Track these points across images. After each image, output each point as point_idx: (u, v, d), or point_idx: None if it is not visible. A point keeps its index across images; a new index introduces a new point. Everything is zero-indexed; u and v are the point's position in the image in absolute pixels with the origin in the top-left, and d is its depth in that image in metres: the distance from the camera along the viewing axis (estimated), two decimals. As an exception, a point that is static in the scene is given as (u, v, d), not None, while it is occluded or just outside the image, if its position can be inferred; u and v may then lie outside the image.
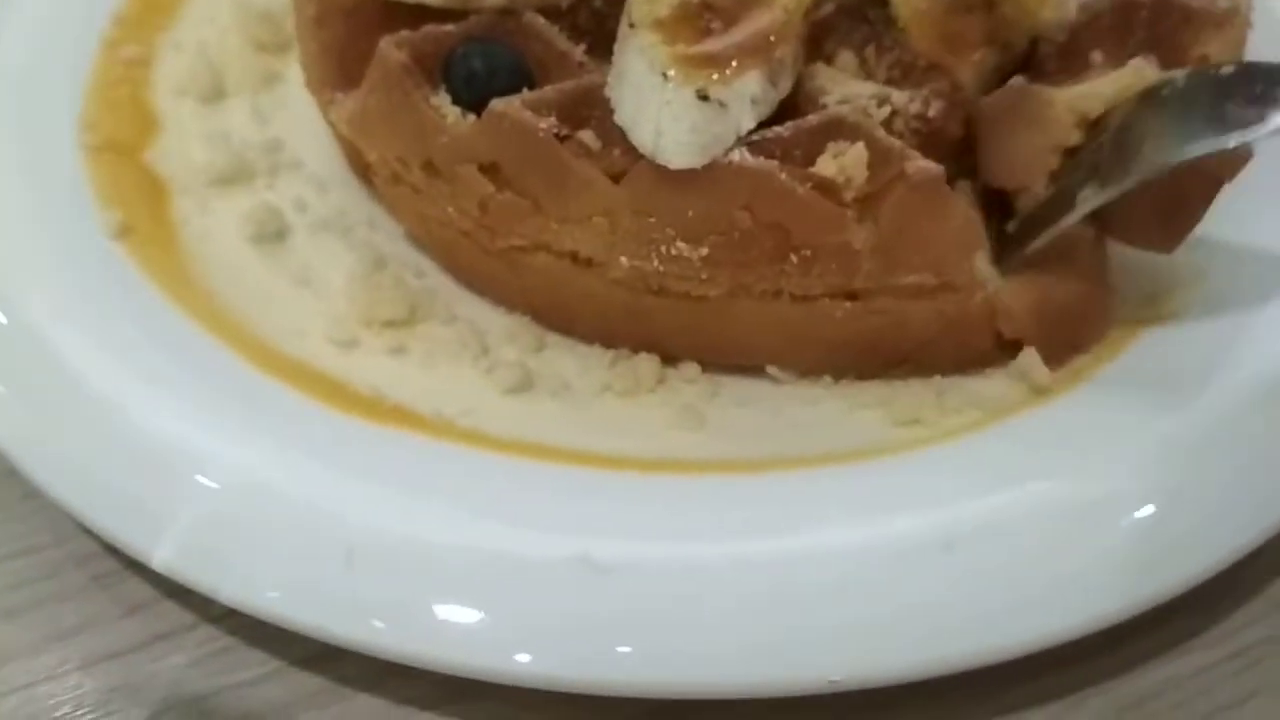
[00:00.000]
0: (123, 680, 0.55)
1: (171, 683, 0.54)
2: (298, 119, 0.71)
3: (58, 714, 0.54)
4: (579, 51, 0.60)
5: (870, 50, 0.61)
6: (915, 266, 0.57)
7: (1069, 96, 0.57)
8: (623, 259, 0.57)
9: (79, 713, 0.54)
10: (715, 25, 0.56)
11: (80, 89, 0.70)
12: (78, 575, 0.58)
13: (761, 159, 0.55)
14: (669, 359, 0.61)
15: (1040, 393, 0.58)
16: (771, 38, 0.56)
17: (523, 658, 0.51)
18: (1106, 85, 0.57)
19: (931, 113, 0.58)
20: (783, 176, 0.55)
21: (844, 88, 0.59)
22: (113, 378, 0.58)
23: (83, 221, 0.64)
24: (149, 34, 0.75)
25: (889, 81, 0.60)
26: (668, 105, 0.54)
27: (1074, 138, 0.57)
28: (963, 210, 0.56)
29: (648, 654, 0.51)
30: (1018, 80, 0.58)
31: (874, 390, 0.60)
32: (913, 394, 0.59)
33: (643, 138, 0.55)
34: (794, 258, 0.56)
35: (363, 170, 0.67)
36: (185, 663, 0.55)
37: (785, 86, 0.57)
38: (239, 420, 0.57)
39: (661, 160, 0.55)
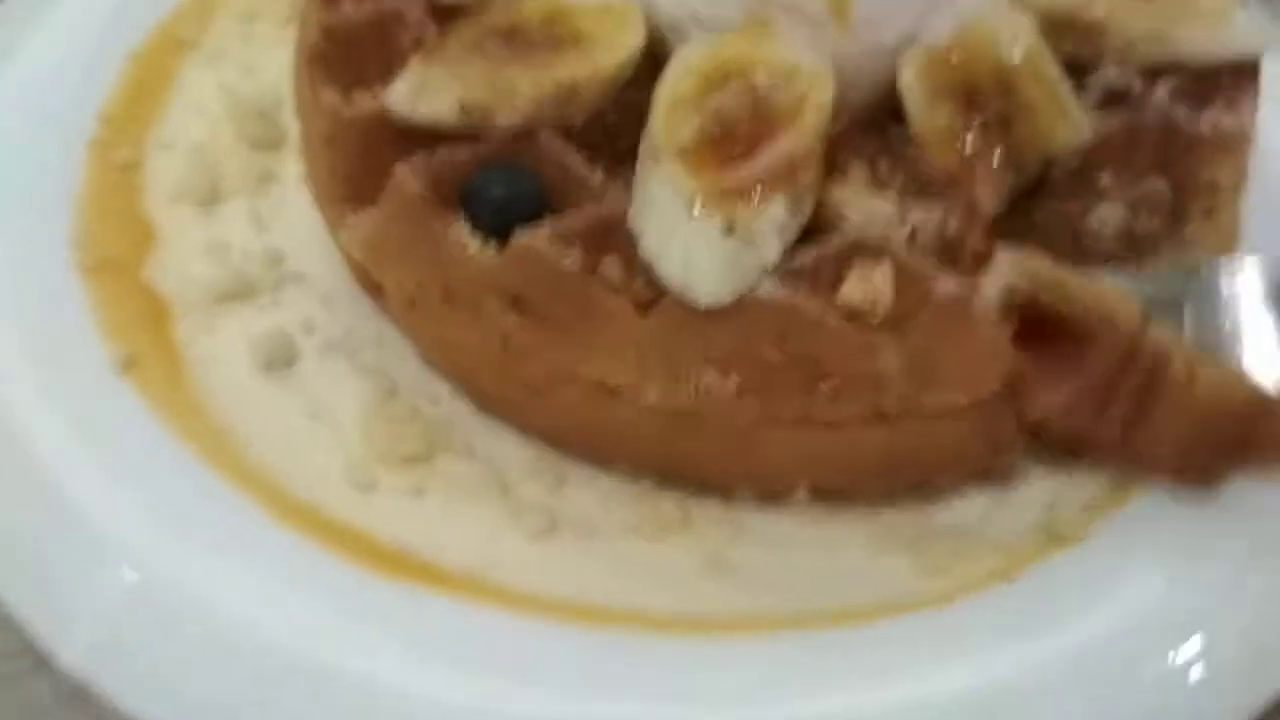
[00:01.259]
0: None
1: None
2: (296, 224, 0.69)
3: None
4: (597, 175, 0.58)
5: (883, 163, 0.60)
6: (945, 385, 0.56)
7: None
8: (651, 390, 0.56)
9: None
10: (737, 150, 0.55)
11: (70, 201, 0.68)
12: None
13: (788, 291, 0.54)
14: (692, 492, 0.61)
15: (1060, 539, 0.59)
16: (795, 163, 0.55)
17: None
18: None
19: (950, 230, 0.58)
20: (811, 309, 0.54)
21: (862, 204, 0.58)
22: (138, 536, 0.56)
23: (86, 353, 0.62)
24: (139, 131, 0.73)
25: (903, 194, 0.59)
26: (695, 239, 0.53)
27: None
28: (990, 327, 0.55)
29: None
30: None
31: (900, 534, 0.60)
32: (937, 540, 0.59)
33: (670, 271, 0.54)
34: (823, 386, 0.55)
35: (370, 287, 0.66)
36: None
37: (807, 210, 0.56)
38: (275, 584, 0.56)
39: (690, 296, 0.54)
